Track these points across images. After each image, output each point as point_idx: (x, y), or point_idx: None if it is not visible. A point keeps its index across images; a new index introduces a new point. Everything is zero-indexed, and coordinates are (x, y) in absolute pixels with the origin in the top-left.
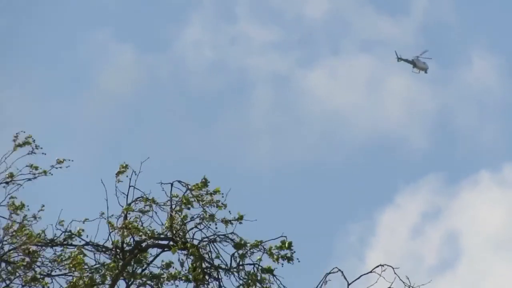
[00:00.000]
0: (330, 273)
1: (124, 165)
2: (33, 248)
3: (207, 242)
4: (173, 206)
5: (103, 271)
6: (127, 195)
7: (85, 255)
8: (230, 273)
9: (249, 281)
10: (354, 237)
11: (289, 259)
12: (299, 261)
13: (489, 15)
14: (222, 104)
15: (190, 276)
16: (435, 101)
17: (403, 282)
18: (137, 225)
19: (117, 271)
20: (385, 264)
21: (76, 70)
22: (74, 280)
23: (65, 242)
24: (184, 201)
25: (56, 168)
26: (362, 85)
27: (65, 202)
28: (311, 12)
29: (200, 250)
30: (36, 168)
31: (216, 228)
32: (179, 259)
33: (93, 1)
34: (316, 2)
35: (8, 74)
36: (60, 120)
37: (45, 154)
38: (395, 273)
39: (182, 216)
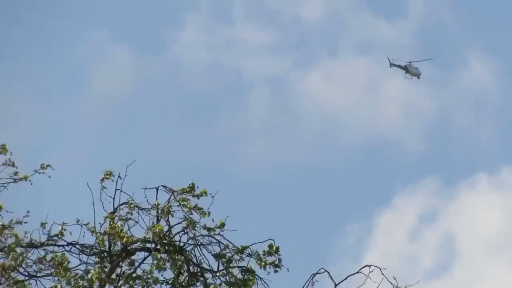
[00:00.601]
0: (316, 273)
1: (109, 172)
2: (19, 250)
3: (193, 246)
4: (159, 212)
5: (89, 276)
6: (113, 199)
7: (68, 262)
8: (216, 277)
9: (235, 284)
10: (352, 238)
11: (276, 266)
12: (288, 271)
13: (487, 16)
14: (219, 105)
15: (177, 280)
16: (433, 103)
17: (391, 283)
18: (120, 230)
19: (104, 274)
20: (372, 265)
21: (73, 72)
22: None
23: (50, 243)
24: (166, 210)
25: (40, 173)
26: (359, 87)
27: (58, 205)
28: (308, 14)
29: (188, 253)
30: (16, 173)
31: (201, 234)
32: (162, 261)
33: (90, 2)
34: (312, 4)
35: (2, 75)
36: (56, 121)
37: (16, 167)
38: (382, 274)
39: (166, 223)
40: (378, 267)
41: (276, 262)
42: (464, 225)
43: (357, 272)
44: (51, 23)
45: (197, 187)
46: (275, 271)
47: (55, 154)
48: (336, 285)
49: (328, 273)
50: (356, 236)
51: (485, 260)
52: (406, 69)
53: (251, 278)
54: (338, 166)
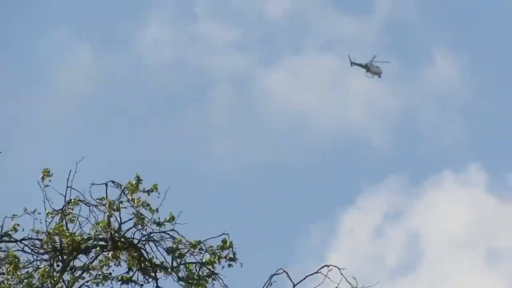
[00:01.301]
0: (275, 274)
1: (47, 170)
2: None
3: (145, 241)
4: (108, 208)
5: (39, 277)
6: (64, 196)
7: (18, 259)
8: (168, 273)
9: (189, 280)
10: (316, 237)
11: (232, 259)
12: (241, 266)
13: (452, 14)
14: (183, 103)
15: (126, 276)
16: (397, 101)
17: (350, 283)
18: (69, 233)
19: (56, 273)
20: (331, 265)
21: (34, 69)
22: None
23: (4, 239)
24: (115, 207)
25: None
26: (324, 85)
27: (12, 203)
28: (272, 12)
29: (140, 249)
30: None
31: (153, 230)
32: (111, 259)
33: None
34: (277, 1)
35: None
36: (17, 118)
37: None
38: (341, 274)
39: (116, 220)
40: (337, 267)
41: (231, 255)
42: (430, 223)
43: (316, 272)
44: (13, 20)
45: (142, 181)
46: (229, 265)
47: (15, 150)
48: (294, 285)
49: (287, 273)
50: (320, 235)
51: (451, 258)
52: (367, 67)
53: (207, 274)
54: (302, 165)
